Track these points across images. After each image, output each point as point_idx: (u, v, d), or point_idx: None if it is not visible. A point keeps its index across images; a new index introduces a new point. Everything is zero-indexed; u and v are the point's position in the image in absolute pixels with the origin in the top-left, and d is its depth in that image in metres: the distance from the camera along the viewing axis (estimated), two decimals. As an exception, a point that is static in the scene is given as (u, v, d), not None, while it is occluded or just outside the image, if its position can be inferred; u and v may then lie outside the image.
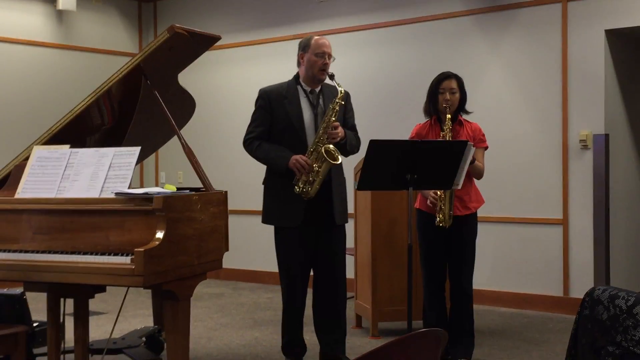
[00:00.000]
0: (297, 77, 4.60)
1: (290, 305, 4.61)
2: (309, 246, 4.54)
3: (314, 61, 4.48)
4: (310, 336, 4.78)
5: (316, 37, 4.56)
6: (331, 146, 4.37)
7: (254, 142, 4.54)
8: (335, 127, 4.38)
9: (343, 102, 4.45)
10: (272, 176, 4.59)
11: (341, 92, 4.40)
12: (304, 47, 4.54)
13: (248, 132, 4.58)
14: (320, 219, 4.51)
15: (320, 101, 4.55)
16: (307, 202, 4.42)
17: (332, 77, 4.46)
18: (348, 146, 4.52)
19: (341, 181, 4.59)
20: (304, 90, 4.55)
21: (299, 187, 4.38)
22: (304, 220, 4.46)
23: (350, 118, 4.67)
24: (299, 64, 4.59)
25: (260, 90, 4.62)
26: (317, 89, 4.57)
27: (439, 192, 4.57)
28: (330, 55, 4.52)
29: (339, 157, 4.39)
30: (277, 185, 4.54)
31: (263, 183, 4.65)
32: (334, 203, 4.52)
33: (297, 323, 4.63)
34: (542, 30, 6.59)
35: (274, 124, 4.53)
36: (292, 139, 4.48)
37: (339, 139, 4.40)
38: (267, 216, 4.61)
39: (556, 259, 6.51)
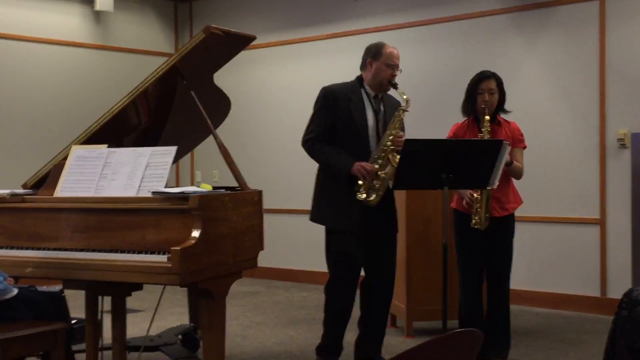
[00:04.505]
0: (360, 79, 4.53)
1: (340, 307, 4.53)
2: (365, 250, 4.48)
3: (383, 70, 4.42)
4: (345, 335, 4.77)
5: (387, 46, 4.48)
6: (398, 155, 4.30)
7: (315, 144, 4.43)
8: (401, 137, 4.34)
9: (408, 111, 4.40)
10: (326, 176, 4.50)
11: (407, 101, 4.35)
12: (375, 55, 4.45)
13: (308, 132, 4.48)
14: (380, 226, 4.47)
15: (382, 107, 4.50)
16: (363, 206, 4.35)
17: (395, 86, 4.42)
18: None
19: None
20: (368, 95, 4.49)
21: (362, 194, 4.33)
22: (361, 224, 4.38)
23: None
24: (363, 68, 4.52)
25: (324, 89, 4.51)
26: (380, 95, 4.52)
27: (475, 194, 4.54)
28: (398, 67, 4.47)
29: None
30: (333, 187, 4.44)
31: (315, 182, 4.57)
32: (394, 211, 4.52)
33: (342, 327, 4.58)
34: (580, 28, 6.52)
35: (337, 124, 4.43)
36: (355, 142, 4.40)
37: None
38: (320, 216, 4.52)
39: (593, 259, 6.44)
